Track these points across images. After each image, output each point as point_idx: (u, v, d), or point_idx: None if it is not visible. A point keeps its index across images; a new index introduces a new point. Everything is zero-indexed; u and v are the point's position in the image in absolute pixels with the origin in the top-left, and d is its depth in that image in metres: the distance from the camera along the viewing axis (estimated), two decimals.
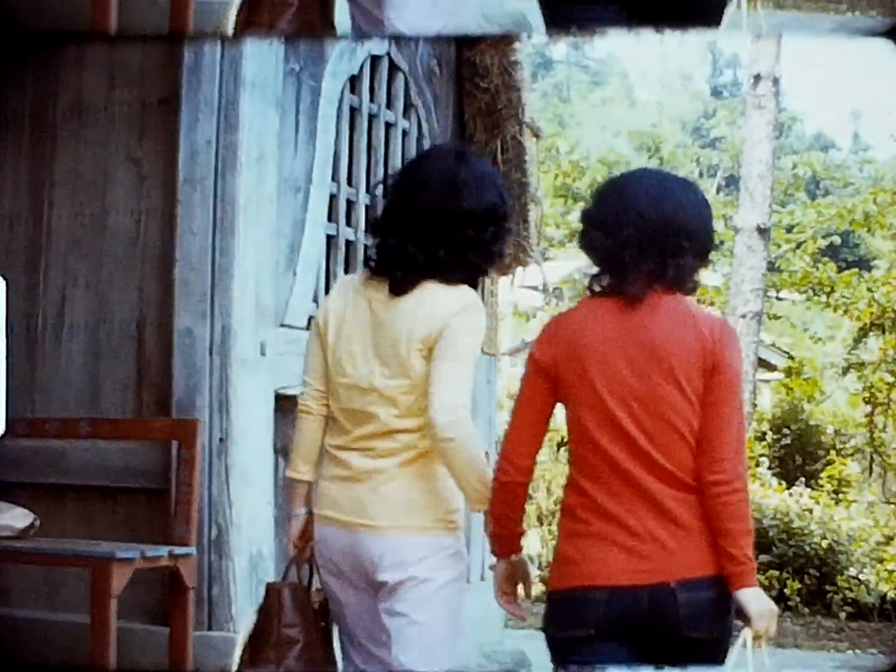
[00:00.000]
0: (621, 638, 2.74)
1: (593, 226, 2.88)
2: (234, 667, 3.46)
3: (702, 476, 2.75)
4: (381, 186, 3.81)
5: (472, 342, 2.97)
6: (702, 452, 2.76)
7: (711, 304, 13.96)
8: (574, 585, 2.76)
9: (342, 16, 3.97)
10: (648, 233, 2.79)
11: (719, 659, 2.83)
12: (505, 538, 2.97)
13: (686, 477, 2.75)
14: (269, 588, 3.22)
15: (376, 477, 2.98)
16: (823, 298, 13.94)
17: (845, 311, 13.11)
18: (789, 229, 14.88)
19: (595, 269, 2.87)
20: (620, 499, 2.74)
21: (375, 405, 2.99)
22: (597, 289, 2.86)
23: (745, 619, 2.81)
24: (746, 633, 2.82)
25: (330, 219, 5.05)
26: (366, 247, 5.08)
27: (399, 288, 3.00)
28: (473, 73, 5.85)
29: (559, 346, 2.81)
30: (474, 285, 3.05)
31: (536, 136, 5.96)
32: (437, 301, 2.97)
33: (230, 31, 3.79)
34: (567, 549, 2.82)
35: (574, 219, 14.88)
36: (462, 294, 2.99)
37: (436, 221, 2.97)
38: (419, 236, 2.98)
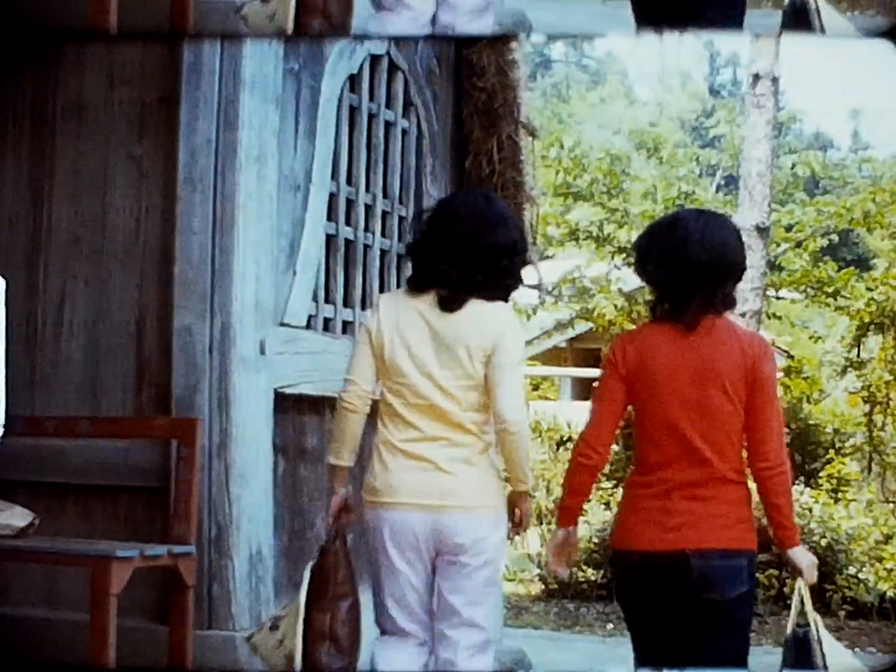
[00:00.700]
0: (652, 592, 3.48)
1: (649, 261, 3.55)
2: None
3: (754, 464, 3.49)
4: (416, 218, 4.42)
5: (520, 351, 3.68)
6: (752, 446, 3.49)
7: None
8: (623, 548, 3.56)
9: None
10: (699, 270, 3.43)
11: (735, 621, 3.50)
12: (572, 510, 3.68)
13: (723, 468, 3.45)
14: (325, 549, 3.78)
15: (461, 467, 3.59)
16: (823, 297, 13.94)
17: (844, 311, 13.10)
18: (788, 228, 14.86)
19: (651, 296, 3.58)
20: (665, 486, 3.45)
21: (441, 401, 3.60)
22: (658, 313, 3.54)
23: (797, 572, 3.57)
24: (800, 583, 3.57)
25: (329, 218, 5.05)
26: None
27: (449, 305, 3.62)
28: (471, 72, 5.86)
29: (632, 360, 3.50)
30: (506, 300, 3.70)
31: (533, 135, 5.97)
32: (486, 316, 3.62)
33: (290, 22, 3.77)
34: (622, 518, 3.61)
35: (573, 217, 14.87)
36: (505, 310, 3.69)
37: (468, 251, 3.61)
38: (454, 261, 3.61)
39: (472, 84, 5.85)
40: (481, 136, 5.86)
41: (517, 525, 3.78)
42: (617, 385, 3.53)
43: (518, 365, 3.67)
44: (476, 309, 3.63)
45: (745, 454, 3.54)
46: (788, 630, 3.63)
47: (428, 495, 3.61)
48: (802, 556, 3.60)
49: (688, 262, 3.44)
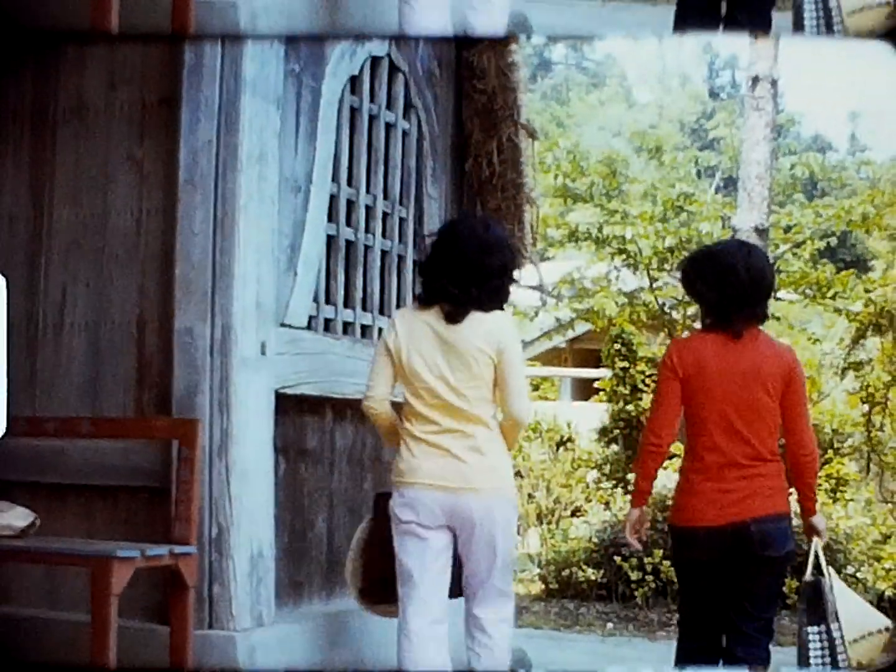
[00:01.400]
0: (717, 558, 4.26)
1: (700, 282, 4.37)
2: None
3: (794, 452, 4.42)
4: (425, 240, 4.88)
5: (521, 353, 4.32)
6: (791, 436, 4.40)
7: None
8: (688, 525, 4.30)
9: None
10: (744, 291, 4.29)
11: (784, 571, 4.49)
12: (645, 491, 4.43)
13: (765, 453, 4.29)
14: (380, 497, 4.47)
15: (473, 455, 4.19)
16: (821, 298, 13.93)
17: (842, 313, 13.09)
18: (787, 230, 14.85)
19: (698, 307, 4.57)
20: (718, 467, 4.25)
21: (454, 400, 4.18)
22: (706, 324, 4.39)
23: (816, 533, 4.57)
24: (817, 543, 4.52)
25: (330, 219, 5.06)
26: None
27: (454, 318, 4.20)
28: (471, 74, 5.87)
29: (687, 364, 4.28)
30: (502, 309, 4.30)
31: (533, 137, 5.97)
32: (488, 324, 4.21)
33: None
34: (683, 500, 4.35)
35: (573, 219, 14.86)
36: (503, 317, 4.29)
37: (470, 272, 4.20)
38: (457, 280, 4.19)
39: (473, 86, 5.86)
40: (481, 138, 5.87)
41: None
42: (675, 385, 4.29)
43: (522, 367, 4.30)
44: (478, 318, 4.21)
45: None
46: (805, 578, 4.47)
47: (445, 478, 4.19)
48: (820, 521, 4.69)
49: (736, 285, 4.28)
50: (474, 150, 5.87)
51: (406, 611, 4.26)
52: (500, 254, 4.27)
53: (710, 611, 4.36)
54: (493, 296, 4.25)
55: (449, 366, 4.19)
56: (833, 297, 13.58)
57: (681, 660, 4.47)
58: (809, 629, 4.41)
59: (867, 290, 12.99)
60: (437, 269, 4.26)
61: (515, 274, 4.43)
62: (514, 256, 4.42)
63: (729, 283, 4.29)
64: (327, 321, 5.05)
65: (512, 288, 4.37)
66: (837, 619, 4.39)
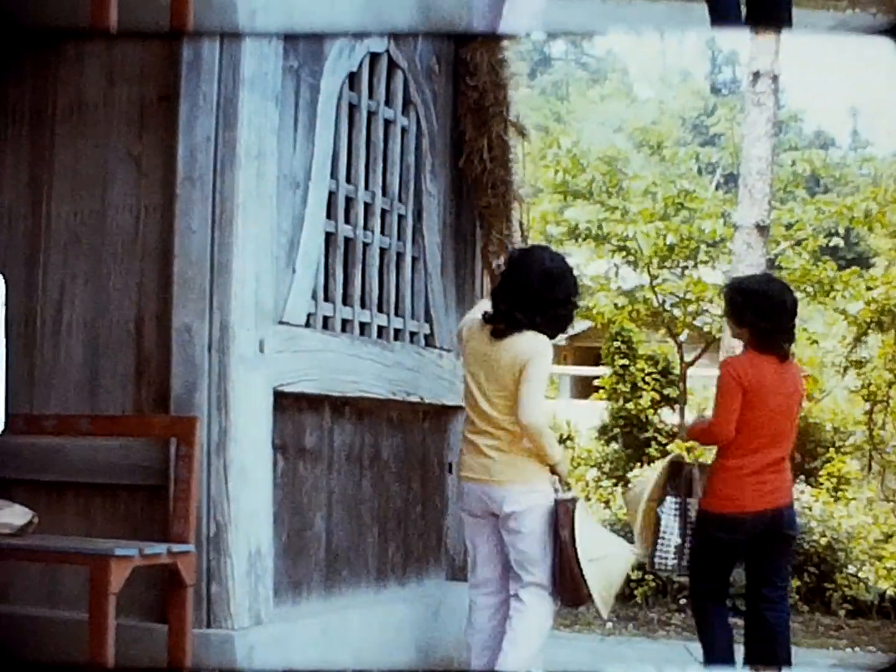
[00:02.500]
0: (755, 537, 5.21)
1: (749, 312, 5.21)
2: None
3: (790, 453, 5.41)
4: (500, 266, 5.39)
5: (544, 373, 4.84)
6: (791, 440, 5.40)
7: (711, 301, 13.95)
8: (734, 511, 5.16)
9: None
10: (789, 321, 5.27)
11: (794, 545, 6.07)
12: None
13: (787, 454, 5.29)
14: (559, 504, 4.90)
15: (496, 453, 4.82)
16: (823, 298, 13.91)
17: (843, 313, 13.07)
18: (788, 227, 14.84)
19: (736, 330, 5.39)
20: (760, 464, 5.16)
21: (487, 406, 4.83)
22: (756, 347, 5.21)
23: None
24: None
25: (329, 216, 5.05)
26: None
27: (500, 334, 4.83)
28: (465, 70, 5.85)
29: (749, 379, 5.14)
30: (553, 337, 4.87)
31: (522, 134, 5.95)
32: (523, 343, 4.79)
33: None
34: (727, 491, 5.19)
35: (571, 215, 14.83)
36: (539, 340, 4.82)
37: (536, 302, 4.81)
38: (525, 308, 4.81)
39: (466, 83, 5.84)
40: (474, 135, 5.86)
41: (557, 476, 4.89)
42: (738, 394, 5.13)
43: (539, 382, 4.77)
44: (517, 339, 4.80)
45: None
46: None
47: (476, 471, 4.88)
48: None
49: (784, 316, 5.23)
50: (467, 147, 5.86)
51: (469, 583, 5.06)
52: (563, 285, 4.89)
53: (725, 580, 5.34)
54: (555, 323, 4.89)
55: (485, 375, 4.84)
56: (835, 297, 13.56)
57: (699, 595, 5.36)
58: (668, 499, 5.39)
59: (869, 288, 12.97)
60: (506, 296, 4.85)
61: (577, 302, 5.07)
62: (576, 286, 5.00)
63: (780, 317, 5.23)
64: (326, 318, 5.04)
65: (574, 314, 5.03)
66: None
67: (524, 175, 5.89)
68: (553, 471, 4.89)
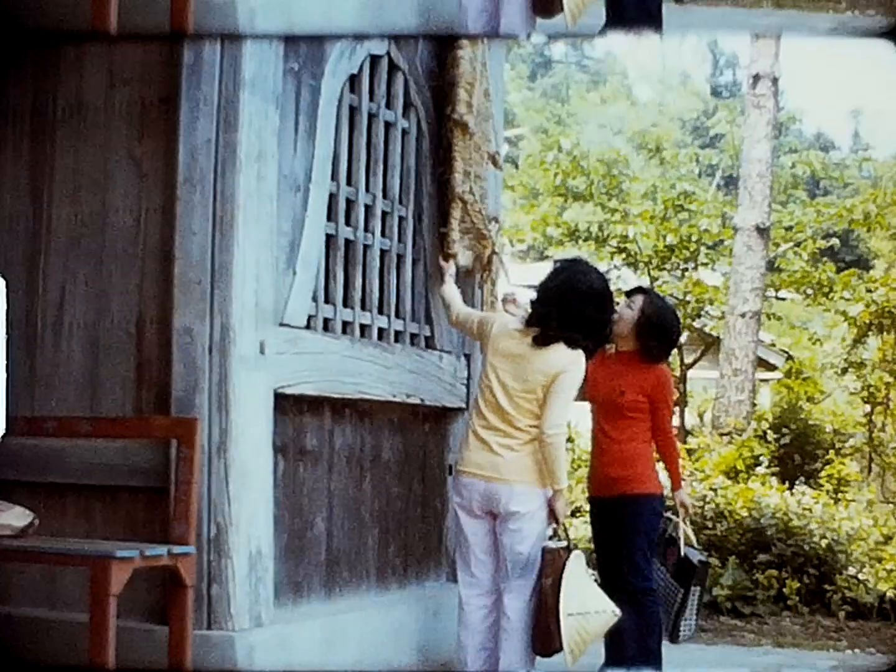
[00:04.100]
0: None
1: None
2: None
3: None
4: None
5: (575, 386, 4.93)
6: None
7: (711, 303, 13.95)
8: None
9: None
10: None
11: None
12: None
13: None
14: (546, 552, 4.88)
15: (506, 451, 4.84)
16: (822, 300, 13.91)
17: (843, 315, 13.08)
18: (788, 229, 14.85)
19: None
20: None
21: (508, 404, 4.86)
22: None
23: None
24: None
25: (329, 218, 5.05)
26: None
27: (542, 341, 4.87)
28: (442, 72, 5.81)
29: None
30: (585, 350, 4.93)
31: (463, 132, 5.82)
32: (562, 354, 4.87)
33: None
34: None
35: (567, 217, 14.82)
36: (574, 354, 4.89)
37: (589, 325, 4.91)
38: (576, 328, 4.88)
39: (436, 84, 5.80)
40: (436, 134, 5.84)
41: (552, 518, 4.87)
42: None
43: (568, 394, 4.89)
44: (557, 348, 4.87)
45: None
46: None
47: (484, 468, 4.86)
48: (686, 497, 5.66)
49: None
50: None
51: (459, 581, 5.03)
52: (611, 307, 5.06)
53: None
54: (598, 342, 5.04)
55: (514, 376, 4.87)
56: (835, 299, 13.56)
57: None
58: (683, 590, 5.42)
59: (869, 290, 12.96)
60: (557, 313, 4.88)
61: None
62: (613, 305, 5.13)
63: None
64: (326, 320, 5.04)
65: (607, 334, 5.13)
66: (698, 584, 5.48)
67: (476, 176, 5.79)
68: (552, 510, 4.87)
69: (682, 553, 5.49)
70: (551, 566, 4.75)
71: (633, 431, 5.41)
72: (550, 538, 4.84)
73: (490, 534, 4.92)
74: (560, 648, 4.72)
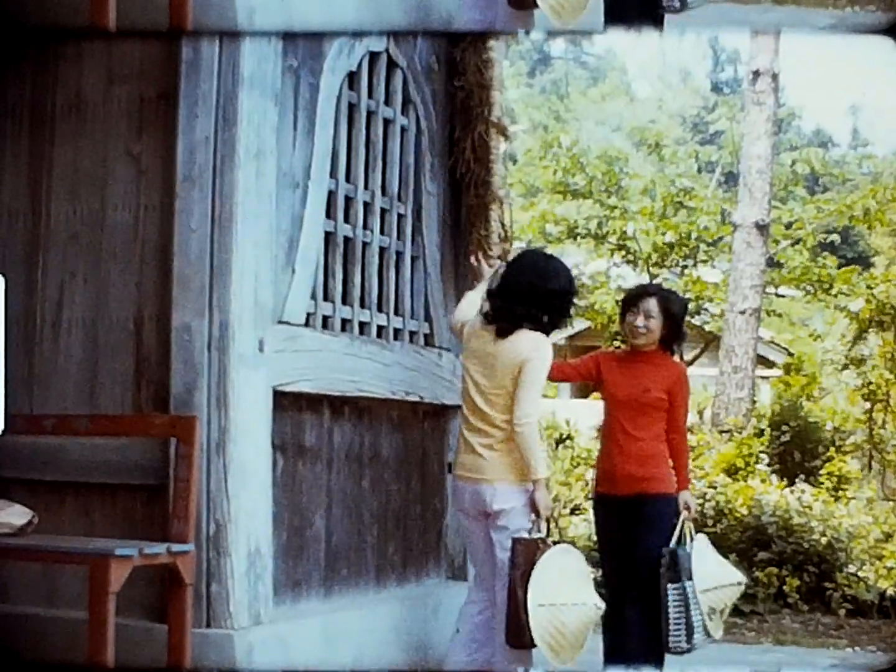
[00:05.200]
0: None
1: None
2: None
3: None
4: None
5: (542, 373, 4.88)
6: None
7: (710, 300, 13.95)
8: None
9: None
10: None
11: None
12: None
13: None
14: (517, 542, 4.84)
15: (487, 451, 4.87)
16: (822, 296, 13.91)
17: (844, 311, 13.07)
18: (788, 225, 14.84)
19: None
20: None
21: (484, 404, 4.89)
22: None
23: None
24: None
25: (328, 215, 5.04)
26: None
27: (503, 332, 4.88)
28: (454, 70, 5.86)
29: None
30: (548, 333, 4.93)
31: (504, 135, 5.93)
32: (524, 342, 4.86)
33: None
34: None
35: (561, 212, 14.82)
36: (536, 341, 4.88)
37: (532, 294, 4.88)
38: (521, 301, 4.87)
39: (454, 83, 5.85)
40: (461, 135, 5.87)
41: (533, 511, 4.82)
42: None
43: (537, 385, 4.84)
44: (517, 337, 4.86)
45: None
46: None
47: (469, 469, 4.93)
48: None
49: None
50: (455, 148, 5.87)
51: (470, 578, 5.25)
52: (557, 277, 4.96)
53: None
54: (552, 316, 4.94)
55: (483, 373, 4.90)
56: (835, 295, 13.56)
57: None
58: (669, 586, 5.22)
59: (869, 287, 12.96)
60: (502, 293, 4.95)
61: (575, 299, 5.10)
62: (571, 282, 5.07)
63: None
64: (325, 318, 5.03)
65: (570, 313, 5.07)
66: (691, 578, 5.23)
67: (506, 175, 5.87)
68: (533, 503, 4.81)
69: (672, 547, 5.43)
70: (522, 557, 4.70)
71: (654, 430, 5.39)
72: (529, 531, 4.79)
73: (485, 532, 4.96)
74: (532, 643, 4.66)
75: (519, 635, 4.67)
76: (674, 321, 5.44)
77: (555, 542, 4.83)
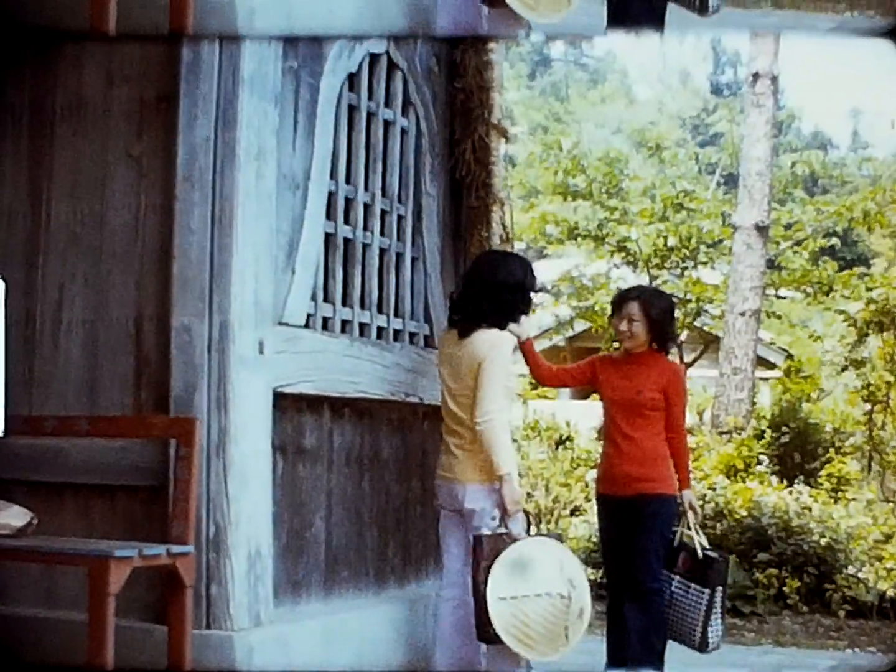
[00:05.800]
0: None
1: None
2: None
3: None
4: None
5: (500, 370, 4.85)
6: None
7: (710, 301, 13.95)
8: None
9: None
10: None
11: None
12: None
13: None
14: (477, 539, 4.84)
15: (459, 451, 4.93)
16: (822, 298, 13.91)
17: (843, 314, 13.07)
18: (788, 227, 14.85)
19: None
20: None
21: (454, 405, 4.96)
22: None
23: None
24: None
25: (328, 216, 5.04)
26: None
27: (463, 333, 4.95)
28: (454, 72, 5.87)
29: None
30: (503, 327, 4.92)
31: (505, 137, 5.95)
32: (480, 340, 4.88)
33: None
34: None
35: (562, 213, 14.82)
36: (495, 336, 4.89)
37: (482, 288, 4.95)
38: (473, 297, 4.96)
39: (454, 85, 5.86)
40: (461, 137, 5.88)
41: (501, 507, 4.78)
42: None
43: (496, 380, 4.81)
44: (476, 337, 4.89)
45: None
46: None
47: (445, 469, 5.01)
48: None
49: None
50: (457, 149, 5.87)
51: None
52: (507, 269, 4.98)
53: None
54: (504, 308, 4.94)
55: (451, 376, 4.98)
56: (834, 297, 13.56)
57: None
58: (718, 589, 5.38)
59: (868, 289, 12.96)
60: (462, 293, 5.04)
61: (531, 293, 5.06)
62: (525, 276, 5.02)
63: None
64: (325, 319, 5.03)
65: (528, 307, 5.06)
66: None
67: (507, 177, 5.89)
68: (501, 499, 4.75)
69: (701, 554, 5.44)
70: (485, 553, 4.67)
71: (651, 430, 5.43)
72: (496, 527, 4.77)
73: (461, 529, 4.99)
74: (497, 637, 4.60)
75: (483, 630, 4.65)
76: (657, 323, 5.48)
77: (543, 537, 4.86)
